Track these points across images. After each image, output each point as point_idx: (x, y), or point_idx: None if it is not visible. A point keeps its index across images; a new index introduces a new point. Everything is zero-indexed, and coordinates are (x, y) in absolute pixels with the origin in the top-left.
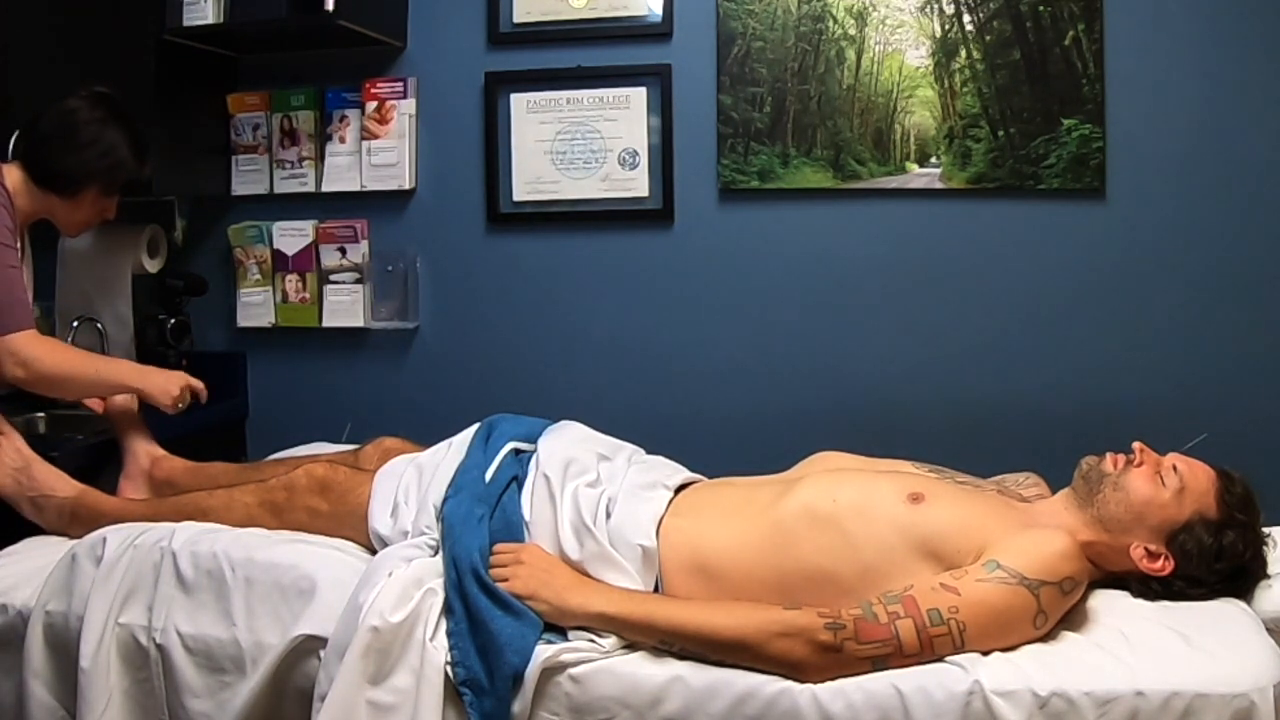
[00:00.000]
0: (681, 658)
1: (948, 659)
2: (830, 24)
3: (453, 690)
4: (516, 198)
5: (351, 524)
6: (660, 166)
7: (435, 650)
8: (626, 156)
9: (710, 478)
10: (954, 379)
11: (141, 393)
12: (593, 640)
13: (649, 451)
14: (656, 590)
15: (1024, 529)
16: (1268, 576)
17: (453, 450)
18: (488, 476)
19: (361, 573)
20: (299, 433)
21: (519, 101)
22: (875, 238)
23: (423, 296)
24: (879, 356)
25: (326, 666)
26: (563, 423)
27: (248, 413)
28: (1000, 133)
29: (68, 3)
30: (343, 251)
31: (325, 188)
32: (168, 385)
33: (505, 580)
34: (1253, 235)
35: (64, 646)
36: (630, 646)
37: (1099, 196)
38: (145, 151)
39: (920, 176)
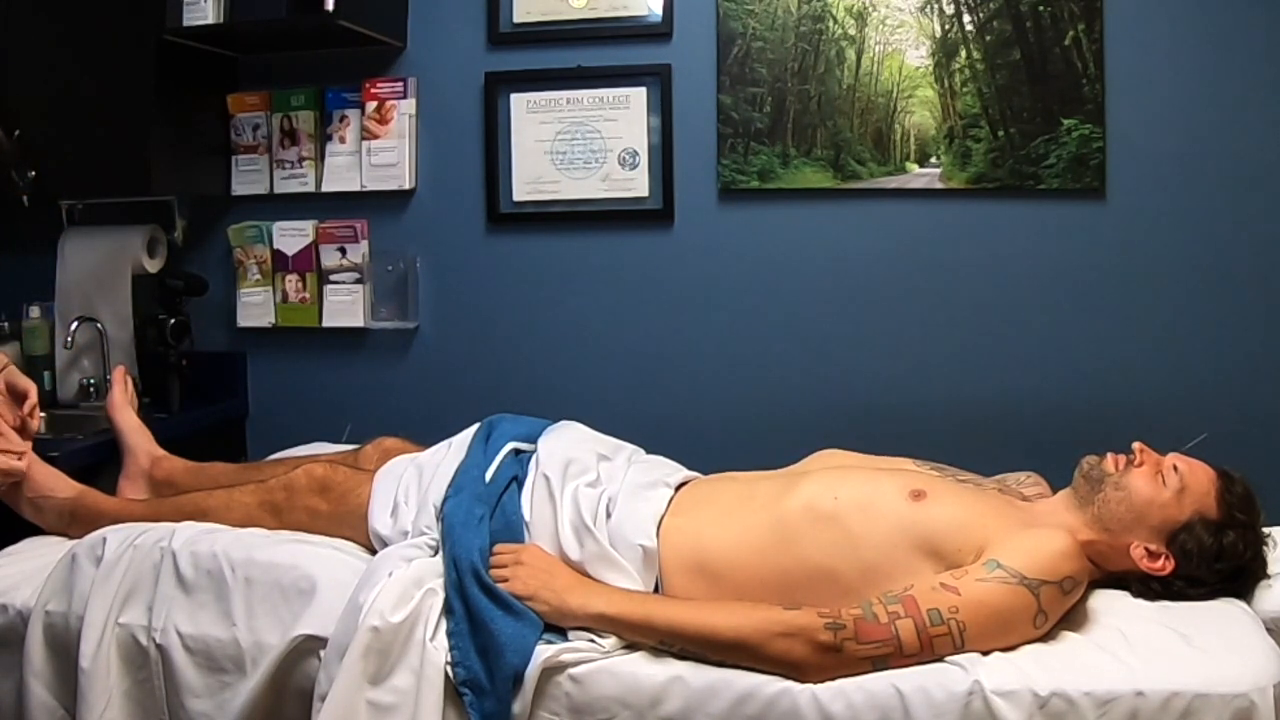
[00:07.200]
0: (681, 658)
1: (948, 659)
2: (830, 24)
3: (453, 690)
4: (516, 198)
5: (351, 524)
6: (660, 166)
7: (435, 650)
8: (626, 156)
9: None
10: (954, 378)
11: None
12: (593, 640)
13: (649, 451)
14: (657, 590)
15: (1024, 528)
16: (1268, 576)
17: (453, 450)
18: (488, 476)
19: (361, 573)
20: (299, 433)
21: (519, 101)
22: (875, 238)
23: (423, 296)
24: (879, 356)
25: (326, 666)
26: (563, 423)
27: (248, 413)
28: (1000, 133)
29: (68, 3)
30: (343, 251)
31: (325, 188)
32: None
33: (505, 581)
34: (1253, 235)
35: (64, 646)
36: (630, 646)
37: (1099, 196)
38: None
39: (920, 176)
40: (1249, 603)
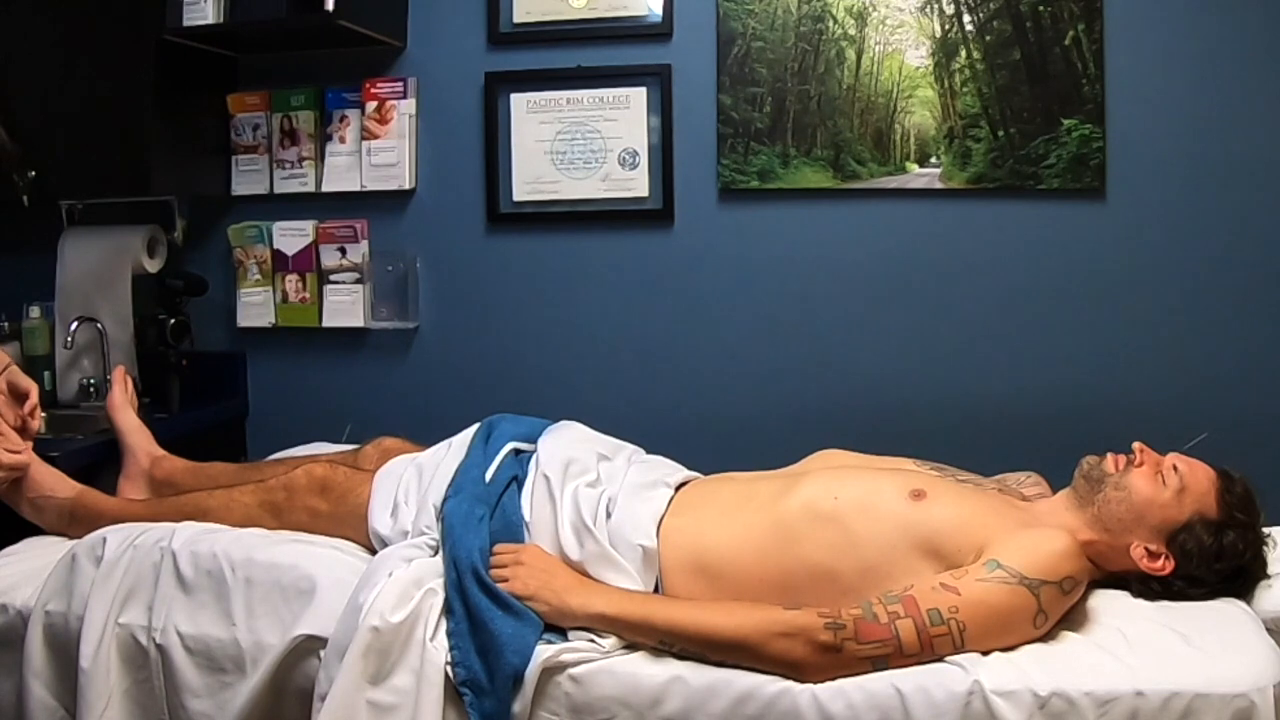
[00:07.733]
0: (681, 658)
1: (948, 659)
2: (830, 24)
3: (453, 690)
4: (516, 198)
5: (351, 524)
6: (660, 166)
7: (435, 650)
8: (626, 156)
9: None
10: (954, 379)
11: None
12: (593, 640)
13: (649, 451)
14: (657, 590)
15: (1024, 528)
16: (1268, 576)
17: (453, 450)
18: (488, 476)
19: (361, 573)
20: (299, 433)
21: (519, 101)
22: (875, 238)
23: (423, 296)
24: (879, 356)
25: (327, 666)
26: (563, 423)
27: (248, 413)
28: (1000, 133)
29: (68, 3)
30: (343, 251)
31: (325, 188)
32: None
33: (505, 581)
34: (1253, 235)
35: (64, 646)
36: (630, 646)
37: (1099, 196)
38: None
39: (920, 176)
40: (1249, 603)
